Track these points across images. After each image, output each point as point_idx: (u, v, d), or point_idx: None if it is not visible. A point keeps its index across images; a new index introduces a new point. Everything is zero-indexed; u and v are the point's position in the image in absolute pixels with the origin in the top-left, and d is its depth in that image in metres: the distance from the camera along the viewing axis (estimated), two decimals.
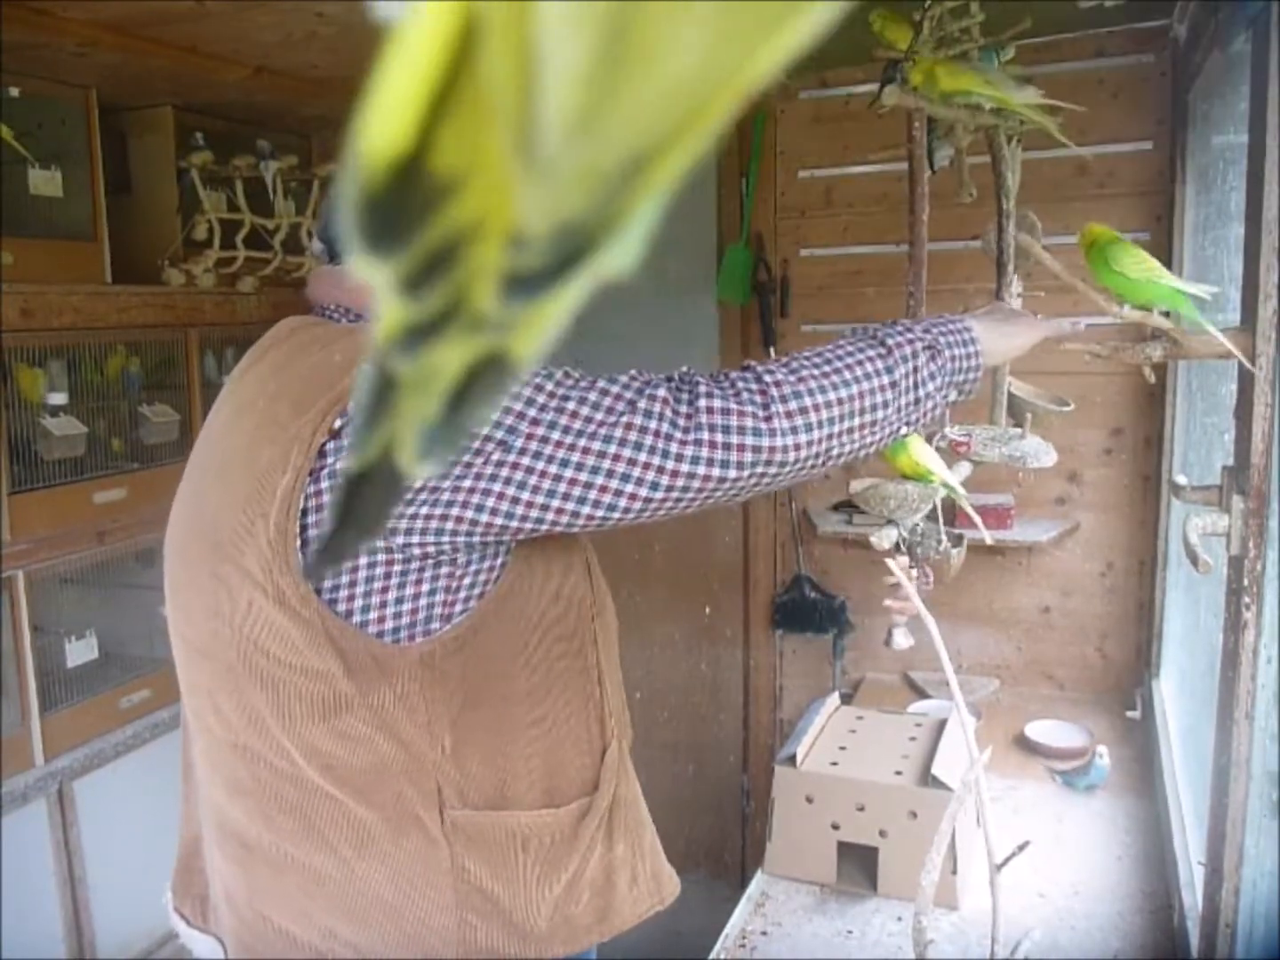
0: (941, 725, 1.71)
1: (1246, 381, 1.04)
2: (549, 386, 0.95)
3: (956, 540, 1.30)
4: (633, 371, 0.98)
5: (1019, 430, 1.38)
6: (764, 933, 1.51)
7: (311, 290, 1.13)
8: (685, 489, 0.94)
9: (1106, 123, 2.20)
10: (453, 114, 0.20)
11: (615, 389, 0.95)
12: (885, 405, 1.00)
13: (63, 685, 2.14)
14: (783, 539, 2.72)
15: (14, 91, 2.00)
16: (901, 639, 1.31)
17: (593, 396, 0.95)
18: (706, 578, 2.85)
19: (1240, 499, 1.04)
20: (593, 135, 0.20)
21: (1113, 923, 1.49)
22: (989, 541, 1.29)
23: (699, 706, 2.91)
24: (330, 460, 0.95)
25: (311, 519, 0.96)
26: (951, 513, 2.32)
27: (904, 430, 1.05)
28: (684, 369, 1.00)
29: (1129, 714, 2.20)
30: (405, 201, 0.21)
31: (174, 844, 1.29)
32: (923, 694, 2.38)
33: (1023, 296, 1.38)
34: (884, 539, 1.20)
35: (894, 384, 1.01)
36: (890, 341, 1.03)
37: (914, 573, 1.24)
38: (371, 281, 0.22)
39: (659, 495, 0.94)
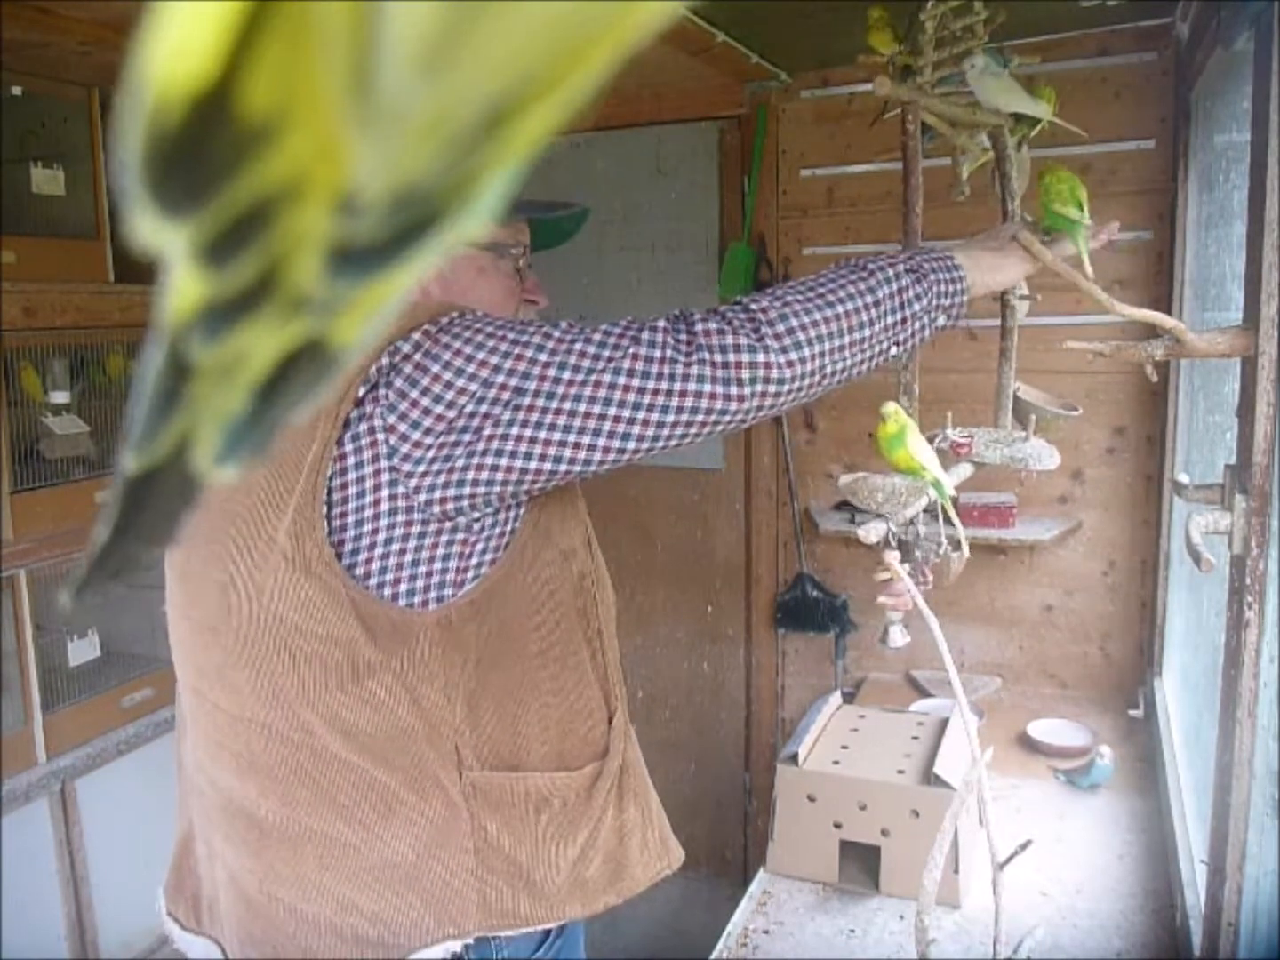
0: (943, 724, 1.71)
1: (1249, 380, 1.04)
2: (556, 334, 1.00)
3: (957, 544, 1.29)
4: (630, 317, 1.04)
5: (1023, 433, 1.37)
6: (766, 931, 1.51)
7: None
8: (694, 410, 0.98)
9: (1109, 121, 2.20)
10: (268, 40, 0.16)
11: (618, 329, 1.01)
12: (871, 324, 1.05)
13: (65, 684, 2.14)
14: (785, 538, 2.72)
15: (16, 90, 2.00)
16: (897, 636, 1.30)
17: (597, 337, 1.00)
18: (708, 576, 2.85)
19: (1243, 498, 1.04)
20: (445, 78, 0.16)
21: (1115, 921, 1.49)
22: (966, 554, 1.28)
23: (701, 705, 2.91)
24: (355, 426, 0.99)
25: (335, 482, 1.00)
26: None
27: (893, 350, 1.09)
28: (677, 309, 1.05)
29: (1131, 713, 2.20)
30: (205, 148, 0.16)
31: (161, 888, 1.27)
32: (925, 693, 2.38)
33: (1026, 298, 1.37)
34: (871, 533, 1.19)
35: (877, 303, 1.05)
36: (872, 265, 1.08)
37: (906, 569, 1.23)
38: (161, 246, 0.18)
39: (670, 419, 0.98)
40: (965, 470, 1.33)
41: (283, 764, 1.07)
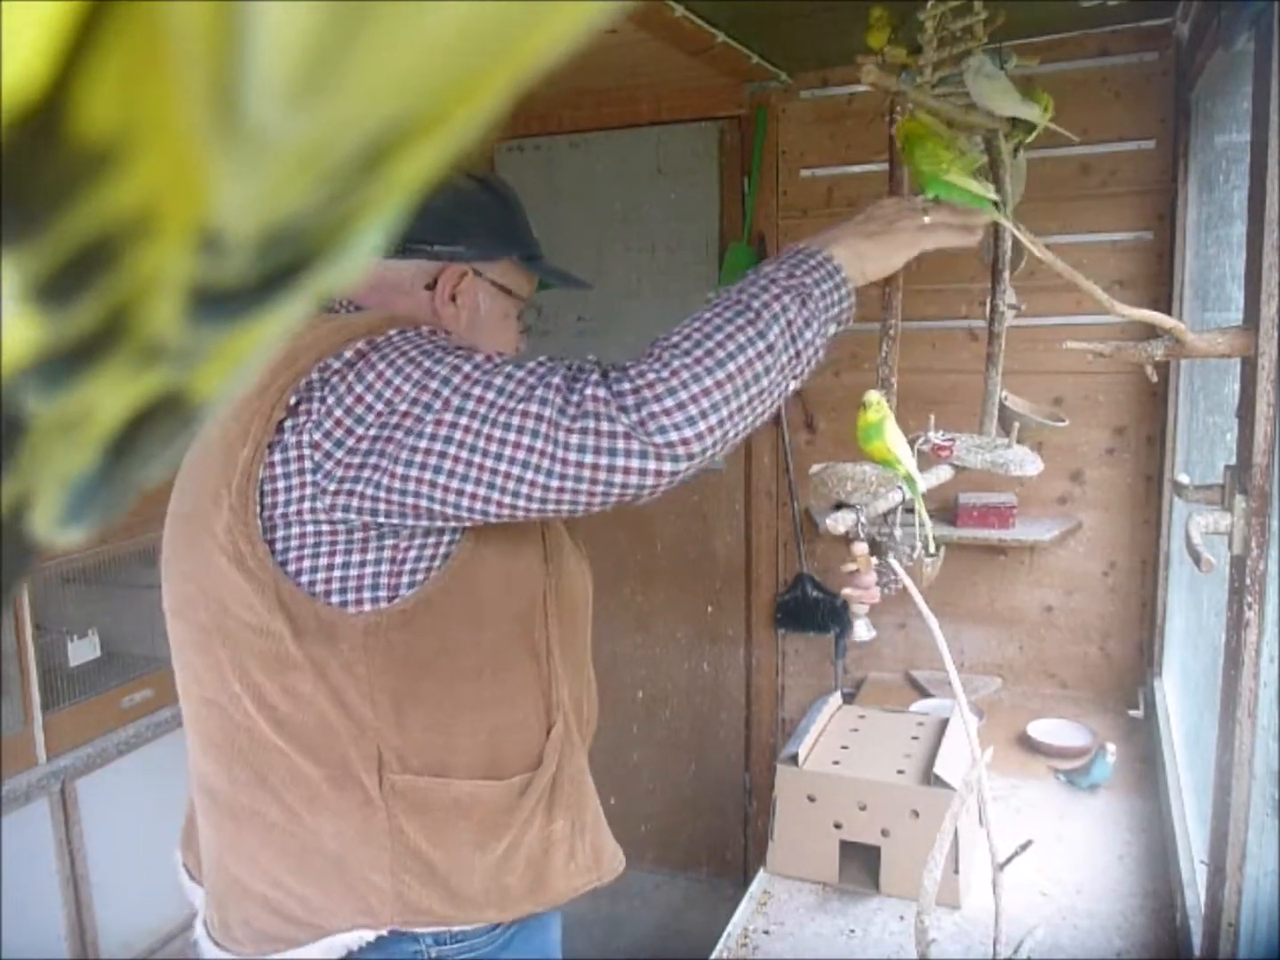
0: (944, 724, 1.71)
1: (1249, 380, 1.04)
2: (466, 368, 0.97)
3: (929, 548, 1.28)
4: (541, 358, 1.00)
5: (1005, 439, 1.37)
6: (766, 931, 1.51)
7: None
8: (579, 479, 0.94)
9: (1109, 121, 2.20)
10: (109, 49, 0.14)
11: (520, 374, 0.97)
12: (767, 371, 0.98)
13: (65, 684, 2.14)
14: (785, 538, 2.72)
15: None
16: (863, 631, 1.28)
17: (498, 381, 0.96)
18: (709, 577, 2.85)
19: (1243, 498, 1.04)
20: (322, 104, 0.14)
21: (1115, 921, 1.49)
22: (940, 555, 1.27)
23: (701, 705, 2.91)
24: (286, 435, 1.00)
25: (266, 486, 1.02)
26: (954, 512, 2.32)
27: (792, 385, 1.03)
28: (589, 357, 1.01)
29: (1131, 713, 2.20)
30: (33, 170, 0.14)
31: (175, 841, 1.35)
32: (925, 693, 2.38)
33: (1016, 307, 1.37)
34: (839, 522, 1.18)
35: (770, 348, 0.98)
36: (756, 304, 1.00)
37: (874, 561, 1.22)
38: None
39: (555, 484, 0.94)
40: (945, 473, 1.33)
41: (228, 743, 1.12)
